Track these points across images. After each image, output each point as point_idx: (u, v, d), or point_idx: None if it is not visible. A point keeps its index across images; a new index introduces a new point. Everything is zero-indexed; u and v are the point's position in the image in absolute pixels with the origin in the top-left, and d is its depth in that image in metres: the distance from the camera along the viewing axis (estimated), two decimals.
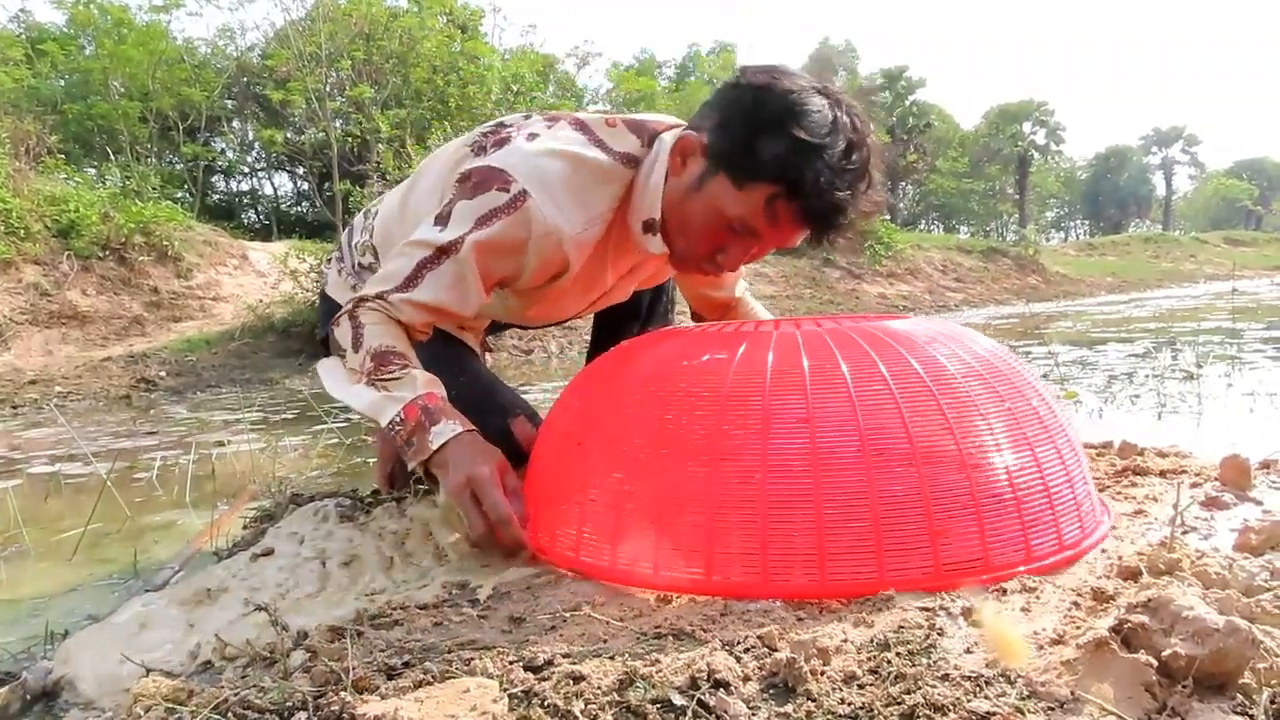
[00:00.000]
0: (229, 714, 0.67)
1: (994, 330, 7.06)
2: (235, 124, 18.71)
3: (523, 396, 1.40)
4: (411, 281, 1.19)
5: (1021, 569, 0.87)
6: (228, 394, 4.95)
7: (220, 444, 2.88)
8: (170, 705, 0.72)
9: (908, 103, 35.94)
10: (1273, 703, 0.61)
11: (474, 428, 1.14)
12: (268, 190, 20.58)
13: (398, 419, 1.12)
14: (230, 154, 18.99)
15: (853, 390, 0.90)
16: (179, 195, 13.74)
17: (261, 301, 7.19)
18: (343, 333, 1.21)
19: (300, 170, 18.62)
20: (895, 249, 14.55)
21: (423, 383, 1.15)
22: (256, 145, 19.03)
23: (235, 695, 0.69)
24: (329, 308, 1.60)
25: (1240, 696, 0.62)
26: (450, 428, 1.11)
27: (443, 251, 1.18)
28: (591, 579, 0.94)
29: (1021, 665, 0.67)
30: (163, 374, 5.71)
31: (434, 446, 1.10)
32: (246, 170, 19.94)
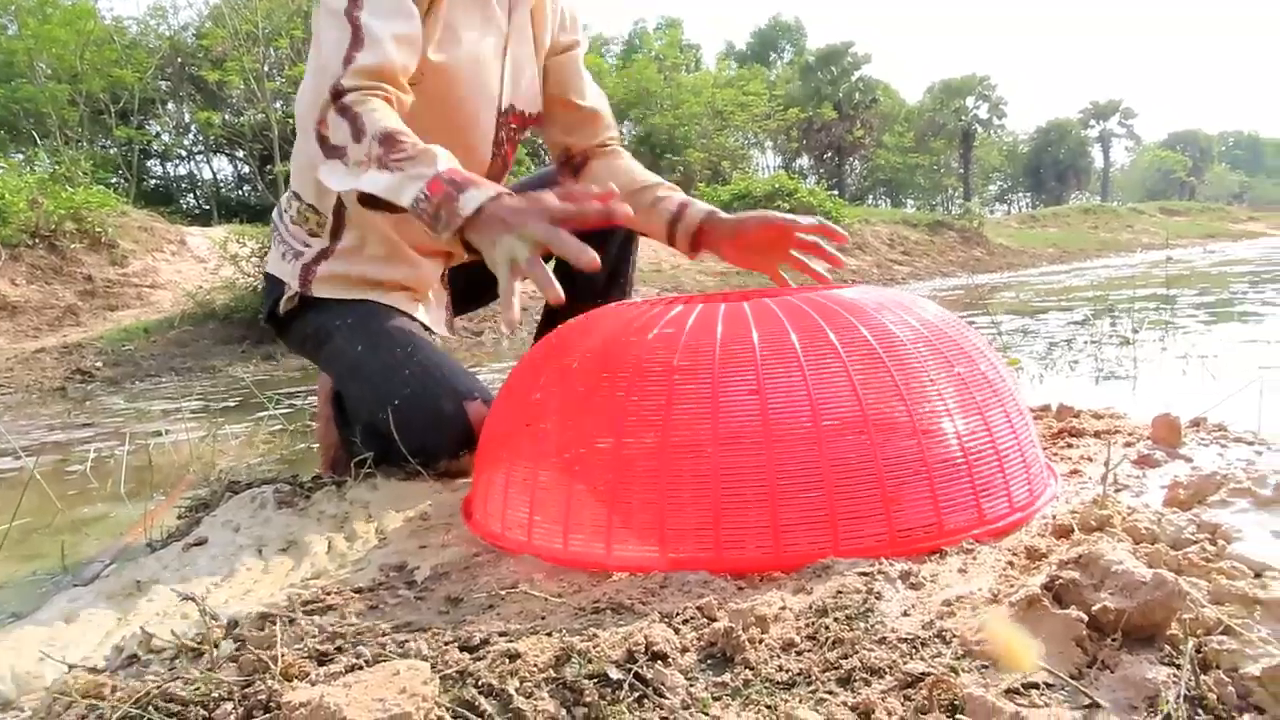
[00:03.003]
0: (149, 708, 0.64)
1: (940, 301, 7.16)
2: (170, 106, 18.17)
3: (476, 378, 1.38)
4: (358, 36, 1.20)
5: (975, 532, 0.88)
6: (168, 383, 4.83)
7: (158, 434, 2.80)
8: (91, 702, 0.69)
9: (854, 78, 36.20)
10: (1198, 652, 0.62)
11: (506, 190, 1.08)
12: (207, 174, 20.01)
13: (421, 196, 1.08)
14: (166, 137, 18.43)
15: (803, 360, 0.89)
16: (113, 180, 13.31)
17: (201, 288, 7.00)
18: (337, 130, 1.17)
19: (240, 153, 18.16)
20: (843, 223, 14.68)
21: (444, 158, 1.11)
22: (193, 128, 18.49)
23: (158, 688, 0.67)
24: (272, 285, 1.58)
25: (1168, 647, 0.63)
26: (480, 194, 1.06)
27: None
28: (544, 562, 0.92)
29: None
30: (99, 364, 5.54)
31: (466, 213, 1.04)
32: (184, 154, 19.38)
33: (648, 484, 0.86)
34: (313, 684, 0.65)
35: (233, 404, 3.67)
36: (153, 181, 18.63)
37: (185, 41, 16.72)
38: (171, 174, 19.99)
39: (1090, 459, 1.18)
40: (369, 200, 1.16)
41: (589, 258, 0.95)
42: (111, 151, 15.69)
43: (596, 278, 1.63)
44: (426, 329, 1.54)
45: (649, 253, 10.95)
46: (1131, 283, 7.77)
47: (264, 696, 0.63)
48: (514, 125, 1.55)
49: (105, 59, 14.84)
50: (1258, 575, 0.70)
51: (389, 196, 1.11)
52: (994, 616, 0.72)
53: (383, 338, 1.41)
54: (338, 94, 1.17)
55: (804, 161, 37.31)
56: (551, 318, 1.70)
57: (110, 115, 14.91)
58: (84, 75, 14.31)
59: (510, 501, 0.97)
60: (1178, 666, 0.61)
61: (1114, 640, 0.63)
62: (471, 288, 1.73)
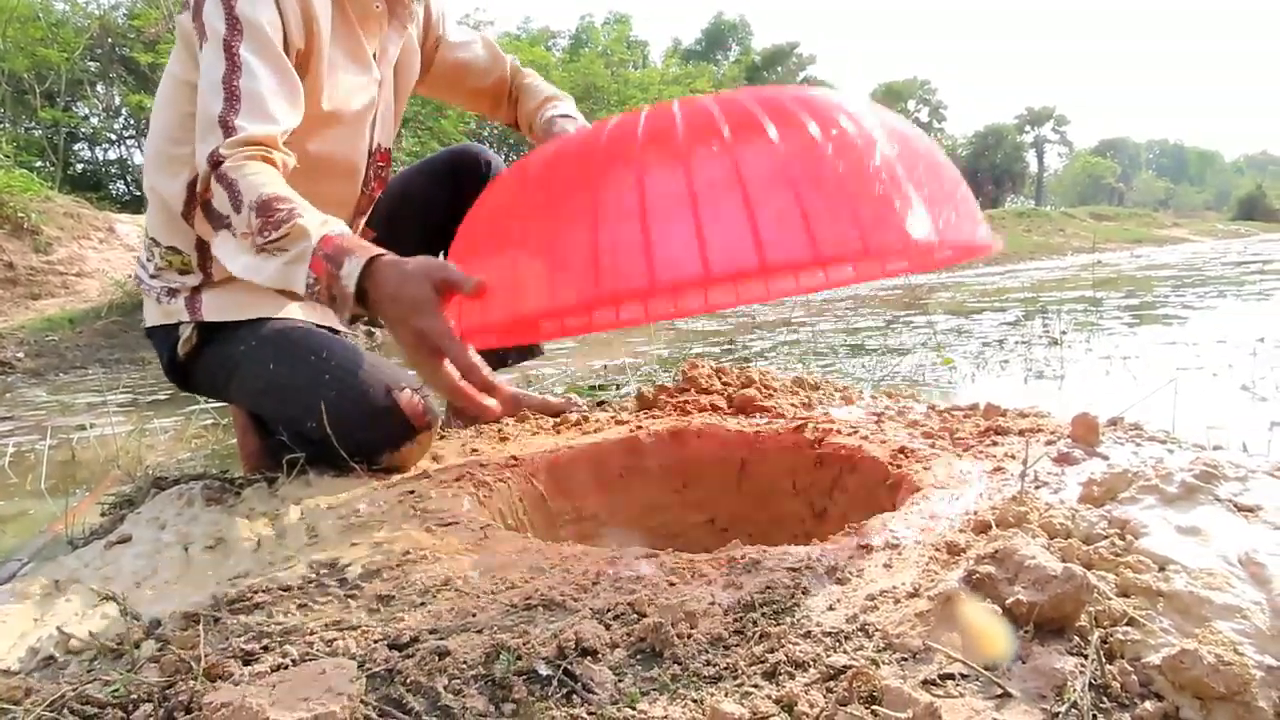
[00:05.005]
0: (64, 710, 0.63)
1: (880, 300, 7.30)
2: (100, 88, 17.49)
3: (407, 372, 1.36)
4: (232, 100, 1.17)
5: (898, 246, 0.83)
6: (93, 376, 4.67)
7: (83, 428, 2.72)
8: (3, 705, 0.67)
9: (799, 79, 36.63)
10: (1104, 642, 0.65)
11: (381, 251, 1.01)
12: (138, 159, 19.29)
13: (311, 281, 1.03)
14: (95, 120, 17.75)
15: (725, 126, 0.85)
16: (37, 164, 12.81)
17: (131, 277, 6.78)
18: (220, 199, 1.13)
19: None
20: None
21: (314, 228, 1.04)
22: (124, 111, 17.83)
23: (74, 690, 0.65)
24: (161, 338, 1.50)
25: (1076, 638, 0.66)
26: (355, 262, 0.99)
27: (228, 47, 1.19)
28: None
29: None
30: (20, 355, 5.34)
31: (351, 289, 0.98)
32: (114, 138, 18.67)
33: (582, 225, 0.83)
34: (236, 684, 0.64)
35: (163, 397, 3.57)
36: (80, 166, 17.93)
37: (116, 21, 16.14)
38: (101, 159, 19.25)
39: (1014, 457, 1.22)
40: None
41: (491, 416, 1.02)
42: (36, 134, 15.08)
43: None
44: (333, 330, 1.51)
45: None
46: (1062, 285, 8.01)
47: (185, 697, 0.62)
48: (380, 163, 1.60)
49: (29, 37, 14.23)
50: (1161, 569, 0.73)
51: (284, 287, 1.07)
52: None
53: (294, 348, 1.37)
54: (216, 163, 1.14)
55: None
56: None
57: (35, 96, 14.32)
58: (6, 54, 13.71)
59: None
60: (1085, 656, 0.64)
61: (1026, 632, 0.66)
62: None
